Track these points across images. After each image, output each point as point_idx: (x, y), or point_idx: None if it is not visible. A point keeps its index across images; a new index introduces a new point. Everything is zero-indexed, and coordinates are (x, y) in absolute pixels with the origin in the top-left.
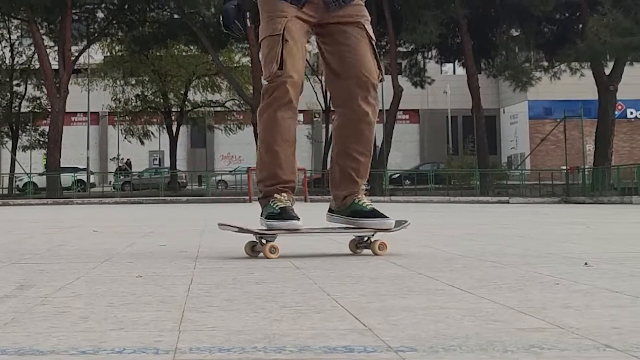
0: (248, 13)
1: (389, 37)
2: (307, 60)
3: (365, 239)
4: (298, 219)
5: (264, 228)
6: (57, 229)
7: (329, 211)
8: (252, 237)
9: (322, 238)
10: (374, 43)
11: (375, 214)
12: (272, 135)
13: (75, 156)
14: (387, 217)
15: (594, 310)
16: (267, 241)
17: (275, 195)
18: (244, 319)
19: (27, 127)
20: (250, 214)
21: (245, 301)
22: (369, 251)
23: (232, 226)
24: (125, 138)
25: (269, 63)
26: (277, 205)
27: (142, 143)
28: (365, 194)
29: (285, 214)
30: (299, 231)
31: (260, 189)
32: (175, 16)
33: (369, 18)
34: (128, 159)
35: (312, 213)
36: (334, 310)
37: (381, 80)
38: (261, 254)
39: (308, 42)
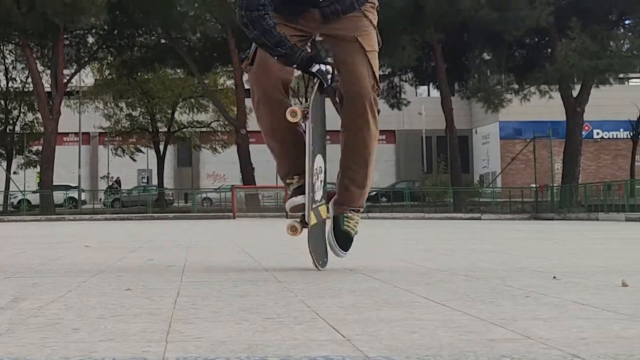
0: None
1: None
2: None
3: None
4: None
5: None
6: (49, 244)
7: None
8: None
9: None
10: (372, 55)
11: (340, 241)
12: (264, 130)
13: (67, 175)
14: (344, 253)
15: (562, 321)
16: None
17: (288, 181)
18: (229, 330)
19: (21, 147)
20: (233, 229)
21: (229, 313)
22: (349, 266)
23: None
24: (115, 155)
25: (245, 60)
26: (291, 189)
27: (134, 160)
28: (357, 212)
29: (297, 193)
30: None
31: (280, 177)
32: (163, 41)
33: (370, 26)
34: (118, 177)
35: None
36: (314, 322)
37: (378, 93)
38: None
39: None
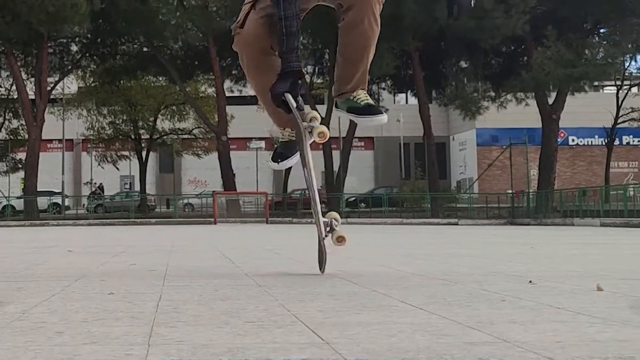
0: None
1: None
2: None
3: (328, 229)
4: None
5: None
6: (33, 249)
7: (335, 105)
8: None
9: (284, 259)
10: None
11: (369, 110)
12: (256, 90)
13: (51, 181)
14: (380, 113)
15: (538, 325)
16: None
17: (281, 131)
18: (210, 333)
19: (6, 154)
20: (214, 234)
21: (210, 317)
22: (327, 270)
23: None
24: (99, 165)
25: (239, 16)
26: (280, 140)
27: (117, 168)
28: (362, 89)
29: (284, 149)
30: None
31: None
32: (145, 49)
33: None
34: (101, 184)
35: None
36: (294, 325)
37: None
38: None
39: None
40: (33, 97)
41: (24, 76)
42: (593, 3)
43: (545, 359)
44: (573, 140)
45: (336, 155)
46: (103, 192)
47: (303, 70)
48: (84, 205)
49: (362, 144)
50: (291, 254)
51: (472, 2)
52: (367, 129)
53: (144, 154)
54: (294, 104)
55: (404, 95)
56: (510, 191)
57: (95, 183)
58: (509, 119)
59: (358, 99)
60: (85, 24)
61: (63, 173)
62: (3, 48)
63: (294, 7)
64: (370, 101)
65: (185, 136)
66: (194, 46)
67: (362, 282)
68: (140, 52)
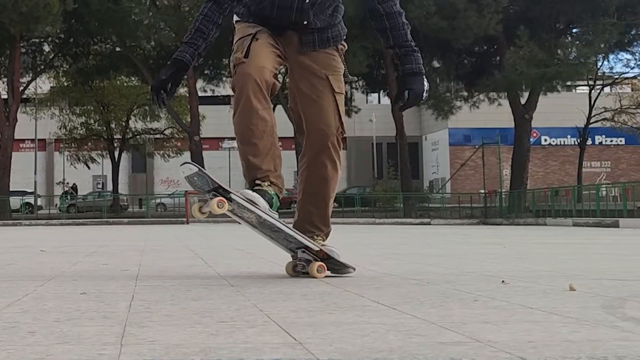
0: (177, 84)
1: None
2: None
3: (302, 266)
4: (269, 204)
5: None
6: (5, 249)
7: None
8: (289, 257)
9: (256, 259)
10: (340, 97)
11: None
12: (245, 128)
13: (23, 180)
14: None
15: (510, 325)
16: (217, 196)
17: (257, 182)
18: (182, 333)
19: None
20: (187, 234)
21: (183, 316)
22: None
23: (196, 165)
24: (71, 165)
25: (236, 52)
26: (254, 188)
27: (89, 167)
28: (319, 238)
29: (259, 193)
30: (258, 208)
31: (247, 182)
32: (118, 49)
33: (341, 68)
34: (74, 184)
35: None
36: (267, 325)
37: (343, 137)
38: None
39: (278, 73)
40: (5, 96)
41: None
42: (565, 3)
43: (517, 359)
44: (546, 140)
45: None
46: (76, 192)
47: (189, 67)
48: (56, 205)
49: None
50: (263, 254)
51: (425, 94)
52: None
53: (116, 154)
54: (209, 184)
55: (376, 95)
56: (482, 191)
57: (67, 183)
58: (482, 119)
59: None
60: (57, 24)
61: (35, 173)
62: None
63: (217, 16)
64: (330, 250)
65: (158, 136)
66: (167, 46)
67: (334, 282)
68: (112, 52)
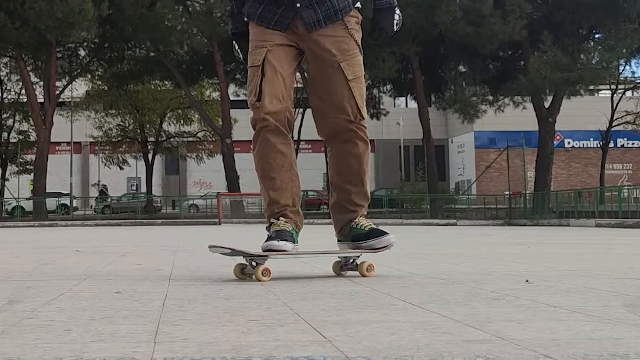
0: (235, 43)
1: None
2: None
3: (351, 260)
4: (291, 241)
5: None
6: (42, 249)
7: (337, 240)
8: (242, 260)
9: (292, 260)
10: (354, 83)
11: (374, 234)
12: (264, 163)
13: (59, 182)
14: (386, 234)
15: (534, 323)
16: (257, 264)
17: (273, 220)
18: (214, 331)
19: (15, 156)
20: (218, 235)
21: (215, 315)
22: (329, 270)
23: (224, 247)
24: (105, 166)
25: (249, 93)
26: (273, 230)
27: (122, 168)
28: (362, 215)
29: (279, 237)
30: (287, 253)
31: (266, 217)
32: (151, 54)
33: (355, 49)
34: (105, 184)
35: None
36: (297, 324)
37: (359, 120)
38: (254, 277)
39: (300, 64)
40: (42, 100)
41: (34, 80)
42: (588, 9)
43: (541, 357)
44: (569, 142)
45: None
46: (107, 193)
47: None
48: (91, 206)
49: None
50: (320, 256)
51: (396, 27)
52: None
53: (150, 156)
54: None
55: (404, 98)
56: (507, 192)
57: (98, 184)
58: (507, 122)
59: (361, 225)
60: (92, 30)
61: (71, 175)
62: (13, 53)
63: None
64: (373, 226)
65: (191, 139)
66: (199, 51)
67: (362, 282)
68: (146, 57)
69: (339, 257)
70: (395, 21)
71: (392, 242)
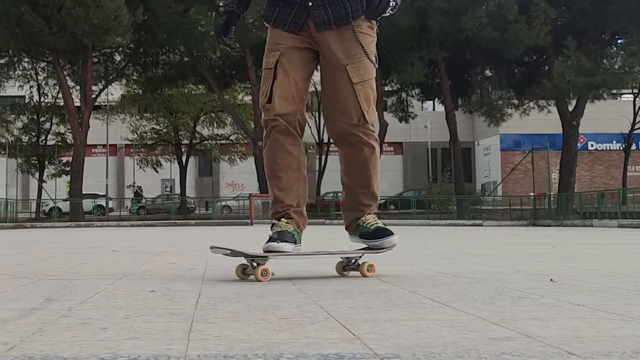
0: (234, 27)
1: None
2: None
3: (353, 261)
4: (292, 242)
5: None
6: (79, 249)
7: (349, 234)
8: (244, 260)
9: (319, 261)
10: (359, 86)
11: (379, 234)
12: (272, 162)
13: (95, 184)
14: (391, 234)
15: (558, 321)
16: (258, 264)
17: (274, 221)
18: (246, 329)
19: (53, 158)
20: (250, 235)
21: (247, 313)
22: (356, 273)
23: (224, 248)
24: (140, 168)
25: (261, 94)
26: (275, 231)
27: (157, 171)
28: (369, 213)
29: (280, 238)
30: (288, 254)
31: (269, 216)
32: (185, 59)
33: (362, 54)
34: (140, 186)
35: (306, 235)
36: (327, 322)
37: (364, 123)
38: (252, 277)
39: (317, 67)
40: (79, 104)
41: (70, 84)
42: (611, 15)
43: (565, 354)
44: (592, 145)
45: None
46: (142, 194)
47: (238, 13)
48: (126, 207)
49: (392, 149)
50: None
51: (388, 12)
52: (397, 134)
53: (184, 158)
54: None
55: (431, 102)
56: (532, 194)
57: (132, 185)
58: (531, 125)
59: (367, 223)
60: (127, 35)
61: (107, 176)
62: (50, 58)
63: None
64: (380, 224)
65: (224, 142)
66: (232, 56)
67: (391, 281)
68: (180, 62)
69: (341, 257)
70: (390, 5)
71: (395, 243)
